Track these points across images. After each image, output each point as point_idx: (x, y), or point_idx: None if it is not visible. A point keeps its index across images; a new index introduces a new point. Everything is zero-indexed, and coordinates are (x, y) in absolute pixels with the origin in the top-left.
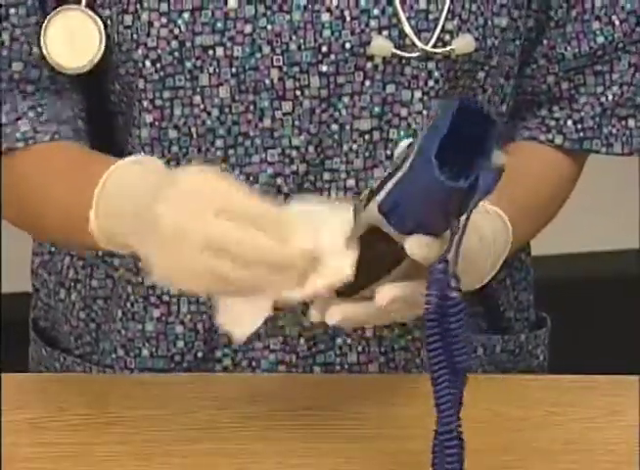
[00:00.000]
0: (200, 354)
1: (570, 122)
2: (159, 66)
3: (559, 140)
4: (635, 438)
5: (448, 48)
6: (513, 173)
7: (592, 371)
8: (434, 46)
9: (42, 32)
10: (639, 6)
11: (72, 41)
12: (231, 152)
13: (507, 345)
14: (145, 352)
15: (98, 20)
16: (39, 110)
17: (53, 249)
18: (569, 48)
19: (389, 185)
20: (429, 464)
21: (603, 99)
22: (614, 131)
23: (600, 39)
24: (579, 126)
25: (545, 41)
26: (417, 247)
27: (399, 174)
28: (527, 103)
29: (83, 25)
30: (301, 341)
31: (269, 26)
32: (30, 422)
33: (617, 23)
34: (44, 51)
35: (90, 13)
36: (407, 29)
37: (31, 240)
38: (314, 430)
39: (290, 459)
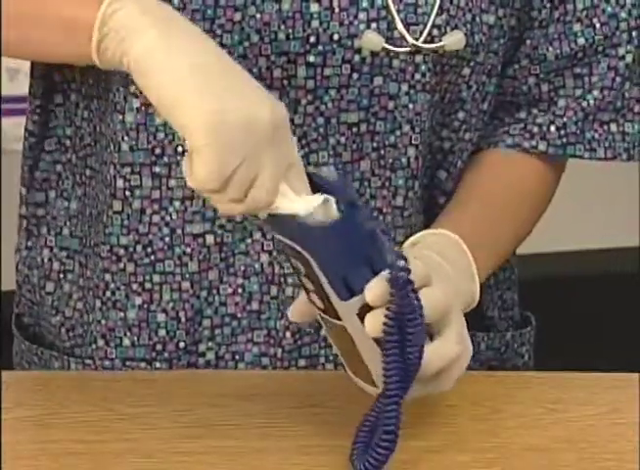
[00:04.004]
0: (182, 345)
1: (552, 128)
2: None
3: (542, 146)
4: (636, 435)
5: (438, 44)
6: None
7: (594, 369)
8: (424, 42)
9: None
10: (620, 10)
11: None
12: None
13: (492, 342)
14: (126, 342)
15: None
16: None
17: (30, 243)
18: (550, 49)
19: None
20: (428, 461)
21: (584, 103)
22: (596, 136)
23: (581, 41)
24: (562, 132)
25: (528, 41)
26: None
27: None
28: (506, 104)
29: None
30: (287, 334)
31: (258, 15)
32: (31, 420)
33: (597, 25)
34: None
35: None
36: (398, 24)
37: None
38: (315, 427)
39: (290, 457)
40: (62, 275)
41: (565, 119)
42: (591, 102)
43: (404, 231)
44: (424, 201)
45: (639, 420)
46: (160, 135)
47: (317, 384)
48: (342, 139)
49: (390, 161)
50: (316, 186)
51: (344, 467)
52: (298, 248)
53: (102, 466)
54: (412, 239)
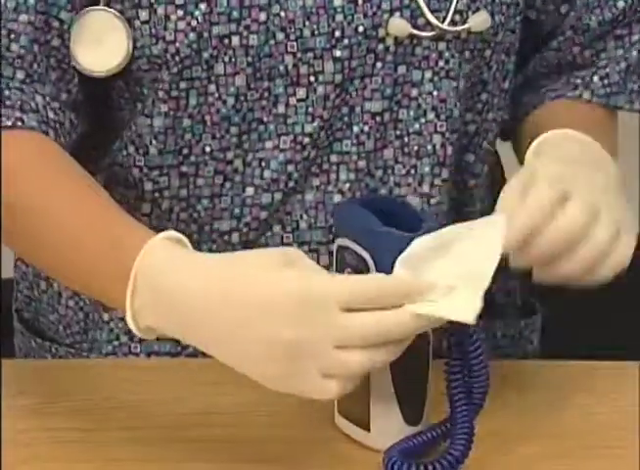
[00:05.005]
0: None
1: (596, 78)
2: (177, 59)
3: (587, 95)
4: (636, 422)
5: (466, 26)
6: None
7: (592, 357)
8: (449, 26)
9: (69, 37)
10: None
11: (100, 44)
12: (244, 138)
13: (508, 330)
14: None
15: (124, 20)
16: (6, 93)
17: None
18: (593, 17)
19: None
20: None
21: (627, 55)
22: (635, 88)
23: (620, 4)
24: (605, 81)
25: (572, 13)
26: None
27: None
28: (550, 73)
29: (111, 27)
30: None
31: (282, 13)
32: (32, 407)
33: None
34: (72, 56)
35: (117, 13)
36: (424, 8)
37: None
38: (318, 415)
39: (292, 445)
40: None
41: (607, 70)
42: (634, 54)
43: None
44: (453, 186)
45: (638, 407)
46: (188, 136)
47: None
48: (366, 128)
49: (415, 148)
50: (406, 212)
51: (347, 456)
52: (364, 254)
53: (103, 454)
54: (535, 148)
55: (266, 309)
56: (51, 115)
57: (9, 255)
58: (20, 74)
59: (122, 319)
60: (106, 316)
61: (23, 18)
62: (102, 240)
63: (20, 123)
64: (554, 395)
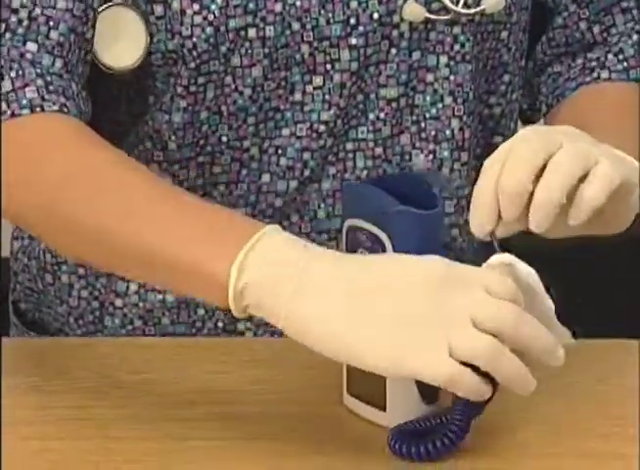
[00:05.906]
0: (220, 324)
1: (610, 56)
2: (195, 54)
3: (605, 74)
4: (636, 400)
5: (480, 8)
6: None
7: (595, 335)
8: (463, 8)
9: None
10: None
11: (118, 40)
12: (261, 126)
13: None
14: (165, 321)
15: (142, 15)
16: (48, 79)
17: None
18: None
19: None
20: None
21: (637, 26)
22: None
23: None
24: (621, 57)
25: None
26: None
27: None
28: (562, 56)
29: (129, 23)
30: None
31: (298, 3)
32: (32, 385)
33: None
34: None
35: (135, 9)
36: None
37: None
38: (325, 394)
39: (290, 422)
40: (56, 267)
41: (620, 45)
42: None
43: (452, 202)
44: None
45: (639, 386)
46: (205, 128)
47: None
48: (382, 114)
49: (433, 133)
50: (415, 186)
51: (354, 435)
52: (381, 235)
53: (102, 432)
54: None
55: (409, 279)
56: (82, 105)
57: (7, 236)
58: (58, 63)
59: (136, 305)
60: (119, 302)
61: (62, 4)
62: (201, 223)
63: (65, 109)
64: (553, 373)
